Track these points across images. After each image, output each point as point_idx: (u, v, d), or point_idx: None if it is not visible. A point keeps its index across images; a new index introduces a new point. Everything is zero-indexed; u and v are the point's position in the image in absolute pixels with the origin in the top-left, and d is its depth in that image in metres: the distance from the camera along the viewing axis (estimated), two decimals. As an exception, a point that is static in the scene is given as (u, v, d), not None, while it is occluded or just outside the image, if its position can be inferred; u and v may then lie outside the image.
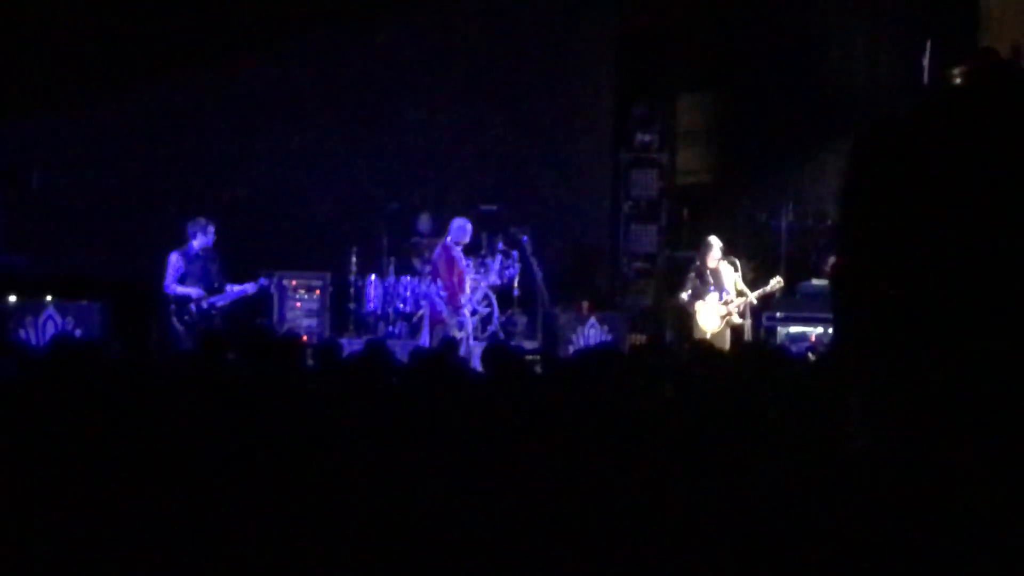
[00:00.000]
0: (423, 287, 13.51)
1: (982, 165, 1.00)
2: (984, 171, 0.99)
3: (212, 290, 11.76)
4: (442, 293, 12.34)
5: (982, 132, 1.02)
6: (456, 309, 12.37)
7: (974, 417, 1.04)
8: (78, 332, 11.55)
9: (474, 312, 13.18)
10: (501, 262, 13.95)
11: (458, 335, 11.97)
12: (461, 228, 12.61)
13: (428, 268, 13.28)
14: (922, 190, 1.07)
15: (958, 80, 1.04)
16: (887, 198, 1.10)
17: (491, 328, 13.77)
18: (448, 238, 12.60)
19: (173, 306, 11.69)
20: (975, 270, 1.03)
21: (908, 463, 1.09)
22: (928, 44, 12.27)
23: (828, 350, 7.75)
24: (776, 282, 12.39)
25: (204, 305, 11.69)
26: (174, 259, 11.73)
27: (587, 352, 7.82)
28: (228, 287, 11.89)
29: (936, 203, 1.06)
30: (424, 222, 14.50)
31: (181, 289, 11.67)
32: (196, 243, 11.79)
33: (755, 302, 12.50)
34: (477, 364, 8.89)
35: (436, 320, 12.45)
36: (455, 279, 12.45)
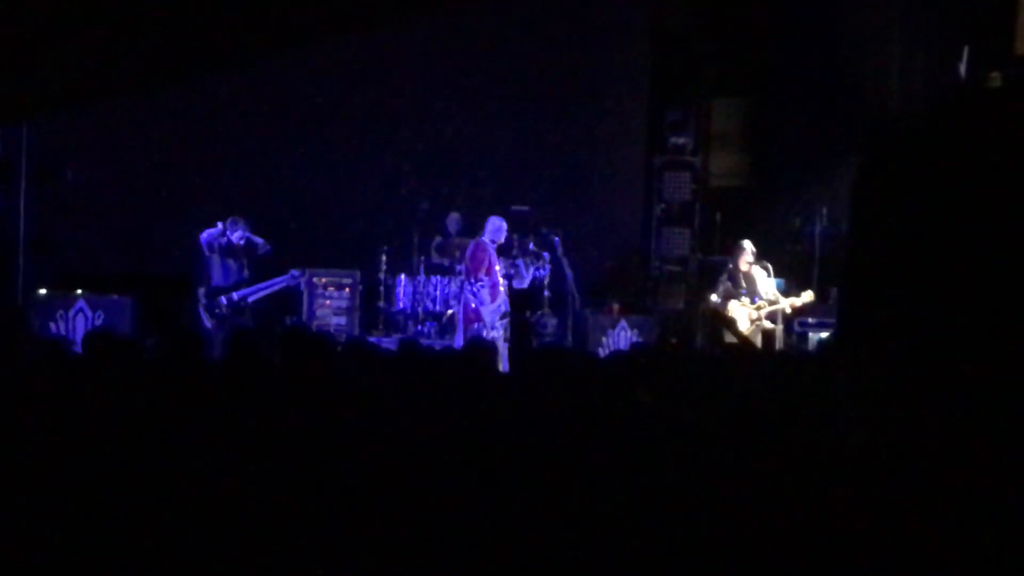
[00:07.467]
0: (454, 287, 13.52)
1: (1012, 170, 1.00)
2: (1013, 176, 1.00)
3: (241, 283, 11.85)
4: (478, 288, 12.33)
5: (1016, 137, 1.02)
6: (495, 301, 12.44)
7: (979, 417, 1.05)
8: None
9: (504, 314, 13.16)
10: (529, 263, 13.90)
11: (488, 335, 11.95)
12: (498, 229, 12.59)
13: (460, 267, 13.31)
14: (945, 189, 1.07)
15: (997, 83, 1.04)
16: (904, 195, 1.10)
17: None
18: (484, 236, 12.58)
19: (204, 300, 11.76)
20: (989, 274, 1.03)
21: (905, 457, 1.10)
22: (965, 51, 12.21)
23: (828, 343, 7.70)
24: (808, 295, 12.32)
25: (235, 298, 11.74)
26: (206, 235, 12.01)
27: (620, 355, 7.81)
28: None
29: (956, 205, 1.06)
30: (453, 221, 14.51)
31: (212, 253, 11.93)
32: (235, 237, 11.92)
33: (788, 311, 12.46)
34: (505, 365, 8.90)
35: (471, 319, 12.43)
36: (491, 276, 12.50)
